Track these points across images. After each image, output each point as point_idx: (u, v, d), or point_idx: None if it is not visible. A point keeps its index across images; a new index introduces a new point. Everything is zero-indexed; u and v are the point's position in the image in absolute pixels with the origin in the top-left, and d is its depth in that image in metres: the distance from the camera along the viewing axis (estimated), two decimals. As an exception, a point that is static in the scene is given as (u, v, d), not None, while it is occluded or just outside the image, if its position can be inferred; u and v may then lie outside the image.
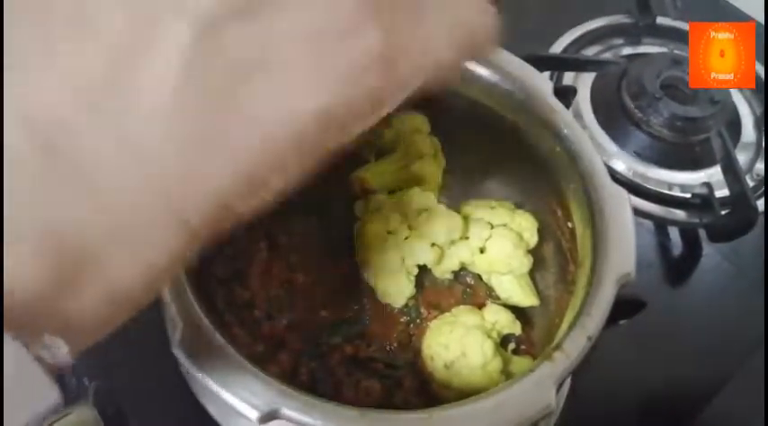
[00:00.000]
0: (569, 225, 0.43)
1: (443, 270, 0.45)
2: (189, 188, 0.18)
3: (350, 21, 0.19)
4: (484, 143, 0.49)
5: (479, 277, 0.46)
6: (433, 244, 0.44)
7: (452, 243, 0.44)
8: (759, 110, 0.64)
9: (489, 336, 0.41)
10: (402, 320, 0.45)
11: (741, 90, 0.64)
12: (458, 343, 0.41)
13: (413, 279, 0.45)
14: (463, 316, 0.43)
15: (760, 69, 0.63)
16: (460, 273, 0.47)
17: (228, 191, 0.19)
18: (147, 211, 0.18)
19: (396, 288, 0.44)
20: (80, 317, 0.18)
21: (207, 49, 0.17)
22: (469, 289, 0.47)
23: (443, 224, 0.44)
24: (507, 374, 0.41)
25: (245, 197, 0.19)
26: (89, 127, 0.17)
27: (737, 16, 0.71)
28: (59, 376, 0.41)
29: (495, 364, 0.41)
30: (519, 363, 0.42)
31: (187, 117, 0.17)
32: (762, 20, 0.69)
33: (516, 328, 0.44)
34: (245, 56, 0.18)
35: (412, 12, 0.20)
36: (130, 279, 0.18)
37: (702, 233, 0.56)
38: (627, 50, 0.67)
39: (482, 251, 0.44)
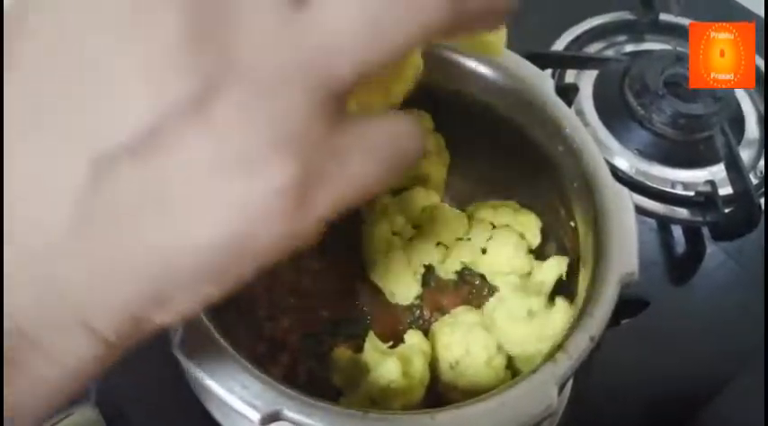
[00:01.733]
0: (572, 224, 0.43)
1: (447, 270, 0.45)
2: (94, 303, 0.19)
3: (260, 154, 0.17)
4: (486, 141, 0.48)
5: (484, 277, 0.46)
6: (438, 243, 0.44)
7: (455, 242, 0.44)
8: (763, 108, 0.63)
9: (540, 293, 0.41)
10: (405, 320, 0.45)
11: (743, 87, 0.64)
12: (461, 342, 0.41)
13: (419, 278, 0.45)
14: (462, 316, 0.43)
15: (761, 63, 0.63)
16: (465, 274, 0.47)
17: (135, 307, 0.19)
18: (55, 322, 0.19)
19: (403, 289, 0.44)
20: (10, 405, 0.19)
21: (103, 185, 0.17)
22: (474, 290, 0.47)
23: (447, 222, 0.44)
24: (513, 369, 0.41)
25: (156, 312, 0.20)
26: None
27: (740, 12, 0.71)
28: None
29: (500, 360, 0.41)
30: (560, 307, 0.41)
31: (85, 248, 0.18)
32: (763, 14, 0.68)
33: (561, 266, 0.43)
34: (143, 189, 0.17)
35: (331, 140, 0.18)
36: (49, 378, 0.20)
37: (706, 231, 0.56)
38: (629, 47, 0.67)
39: (484, 251, 0.44)
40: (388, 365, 0.38)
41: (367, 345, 0.39)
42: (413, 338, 0.41)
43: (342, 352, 0.41)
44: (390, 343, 0.41)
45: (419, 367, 0.39)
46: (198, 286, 0.19)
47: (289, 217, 0.18)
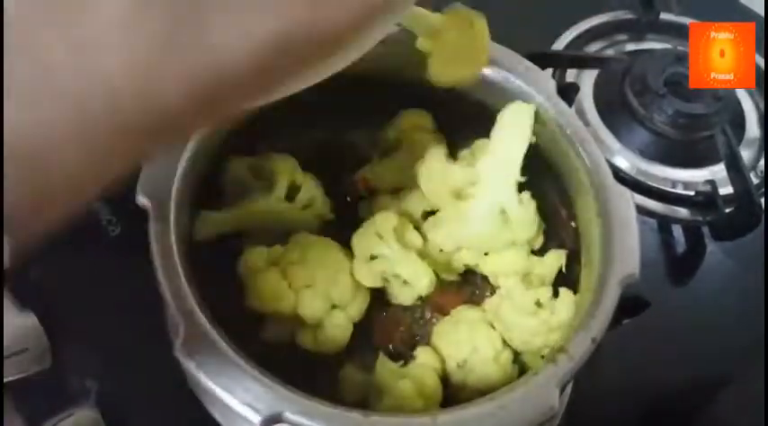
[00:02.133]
0: (573, 224, 0.43)
1: (449, 272, 0.45)
2: (136, 92, 0.19)
3: None
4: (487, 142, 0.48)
5: (486, 278, 0.46)
6: (440, 250, 0.44)
7: (457, 247, 0.44)
8: (764, 107, 0.63)
9: (543, 284, 0.41)
10: (406, 321, 0.45)
11: (744, 86, 0.64)
12: (467, 340, 0.41)
13: None
14: (464, 314, 0.43)
15: (761, 62, 0.63)
16: (468, 275, 0.47)
17: (177, 102, 0.19)
18: (91, 114, 0.18)
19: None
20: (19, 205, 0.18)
21: None
22: (477, 290, 0.47)
23: (449, 230, 0.43)
24: (520, 364, 0.42)
25: (196, 107, 0.20)
26: (45, 26, 0.17)
27: (740, 11, 0.71)
28: (61, 377, 0.41)
29: (507, 355, 0.41)
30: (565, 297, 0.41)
31: (143, 30, 0.18)
32: (763, 14, 0.68)
33: (560, 259, 0.43)
34: None
35: None
36: (74, 172, 0.19)
37: (706, 230, 0.56)
38: (630, 47, 0.67)
39: (486, 253, 0.44)
40: (401, 387, 0.38)
41: (378, 367, 0.40)
42: (423, 356, 0.41)
43: (352, 373, 0.41)
44: (401, 363, 0.41)
45: (432, 385, 0.39)
46: (246, 83, 0.20)
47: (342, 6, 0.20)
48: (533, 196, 0.43)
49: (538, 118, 0.43)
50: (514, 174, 0.41)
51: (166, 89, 0.19)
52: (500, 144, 0.42)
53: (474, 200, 0.42)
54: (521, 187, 0.42)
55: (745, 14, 0.70)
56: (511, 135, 0.42)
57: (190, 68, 0.19)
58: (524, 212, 0.42)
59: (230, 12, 0.19)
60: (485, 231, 0.42)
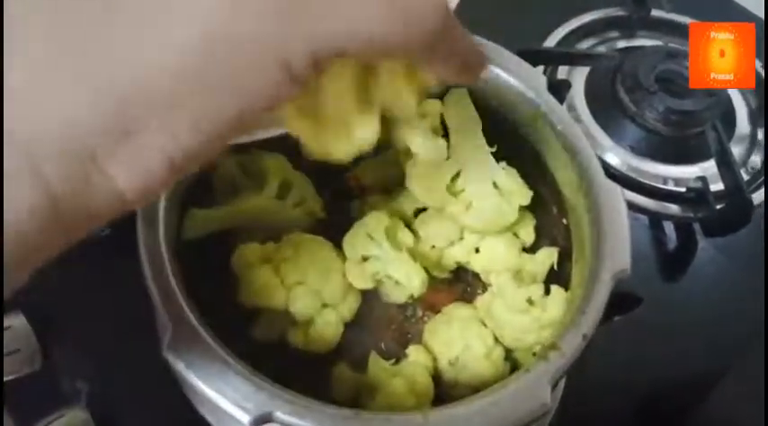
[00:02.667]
0: (564, 221, 0.43)
1: (440, 270, 0.45)
2: (38, 120, 0.17)
3: None
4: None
5: (477, 275, 0.46)
6: (432, 246, 0.44)
7: (449, 243, 0.44)
8: (754, 103, 0.63)
9: (535, 281, 0.41)
10: (398, 319, 0.45)
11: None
12: (459, 337, 0.41)
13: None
14: (456, 312, 0.43)
15: (759, 65, 0.63)
16: (459, 272, 0.47)
17: (92, 139, 0.17)
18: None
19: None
20: None
21: None
22: (468, 287, 0.47)
23: (440, 227, 0.43)
24: (511, 361, 0.42)
25: (113, 155, 0.18)
26: None
27: (739, 13, 0.71)
28: (52, 378, 0.40)
29: (498, 352, 0.41)
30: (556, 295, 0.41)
31: (43, 64, 0.17)
32: (762, 16, 0.69)
33: (552, 257, 0.43)
34: None
35: None
36: None
37: (697, 227, 0.56)
38: (621, 44, 0.67)
39: (477, 250, 0.44)
40: (393, 386, 0.38)
41: (370, 366, 0.40)
42: (415, 354, 0.41)
43: (344, 371, 0.40)
44: (393, 361, 0.41)
45: (424, 383, 0.39)
46: (167, 114, 0.18)
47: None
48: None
49: (529, 115, 0.43)
50: (484, 147, 0.42)
51: (65, 101, 0.17)
52: (455, 127, 0.43)
53: (468, 185, 0.42)
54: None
55: (744, 17, 0.70)
56: (459, 117, 0.43)
57: (93, 80, 0.17)
58: (512, 177, 0.43)
59: (144, 24, 0.17)
60: (490, 207, 0.42)
